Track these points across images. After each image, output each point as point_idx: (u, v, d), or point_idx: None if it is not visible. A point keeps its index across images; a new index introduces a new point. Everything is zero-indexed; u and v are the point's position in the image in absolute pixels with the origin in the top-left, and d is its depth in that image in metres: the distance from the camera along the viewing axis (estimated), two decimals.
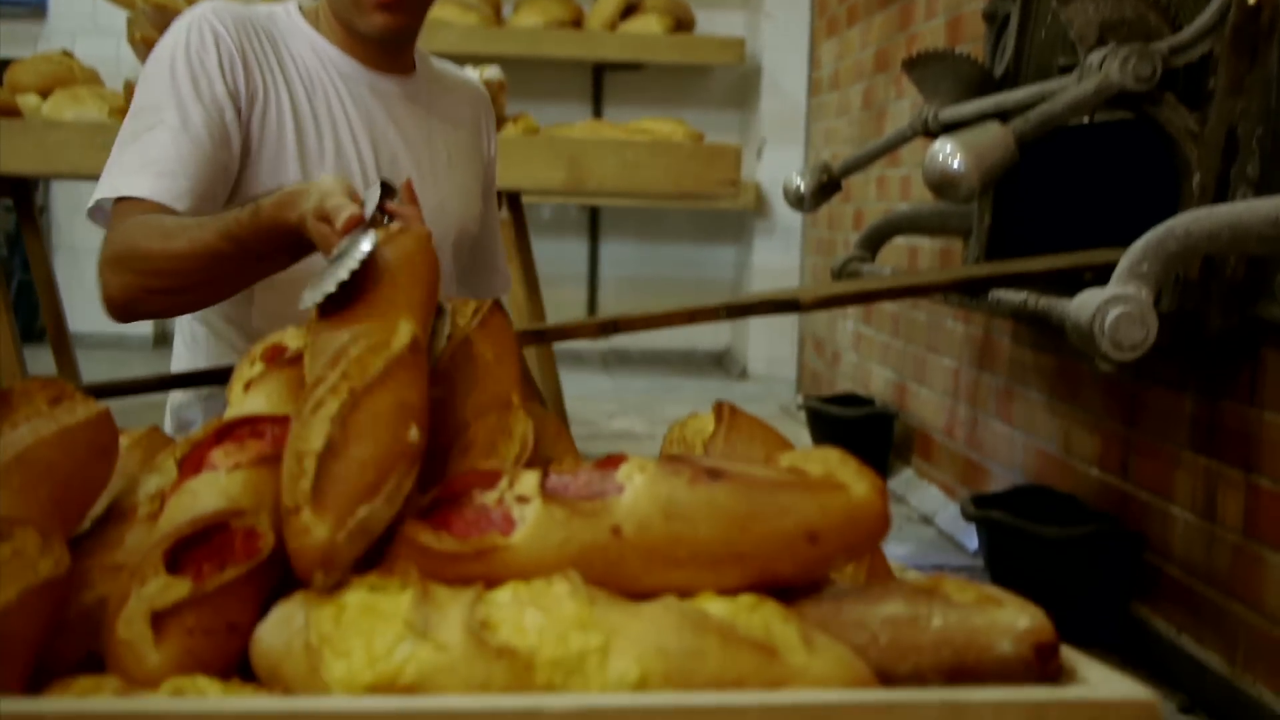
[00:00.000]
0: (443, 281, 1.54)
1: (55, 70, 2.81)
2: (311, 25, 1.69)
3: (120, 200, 1.51)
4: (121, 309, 1.49)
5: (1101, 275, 1.56)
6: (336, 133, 1.66)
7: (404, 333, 0.90)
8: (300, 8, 1.72)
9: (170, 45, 1.59)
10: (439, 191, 1.71)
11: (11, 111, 2.70)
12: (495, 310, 1.10)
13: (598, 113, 5.55)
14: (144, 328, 5.15)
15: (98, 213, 1.58)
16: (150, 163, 1.51)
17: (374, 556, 0.83)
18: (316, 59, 1.68)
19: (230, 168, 1.57)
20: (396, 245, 0.99)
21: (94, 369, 3.81)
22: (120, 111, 2.71)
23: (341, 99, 1.67)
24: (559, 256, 5.46)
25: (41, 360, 3.35)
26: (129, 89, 2.71)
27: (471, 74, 2.76)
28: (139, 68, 2.90)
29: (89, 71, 2.89)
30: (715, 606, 0.76)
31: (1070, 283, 1.75)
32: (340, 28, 1.67)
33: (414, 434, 0.83)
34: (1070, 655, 0.78)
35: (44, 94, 2.77)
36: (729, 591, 0.78)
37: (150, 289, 1.45)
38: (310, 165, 1.64)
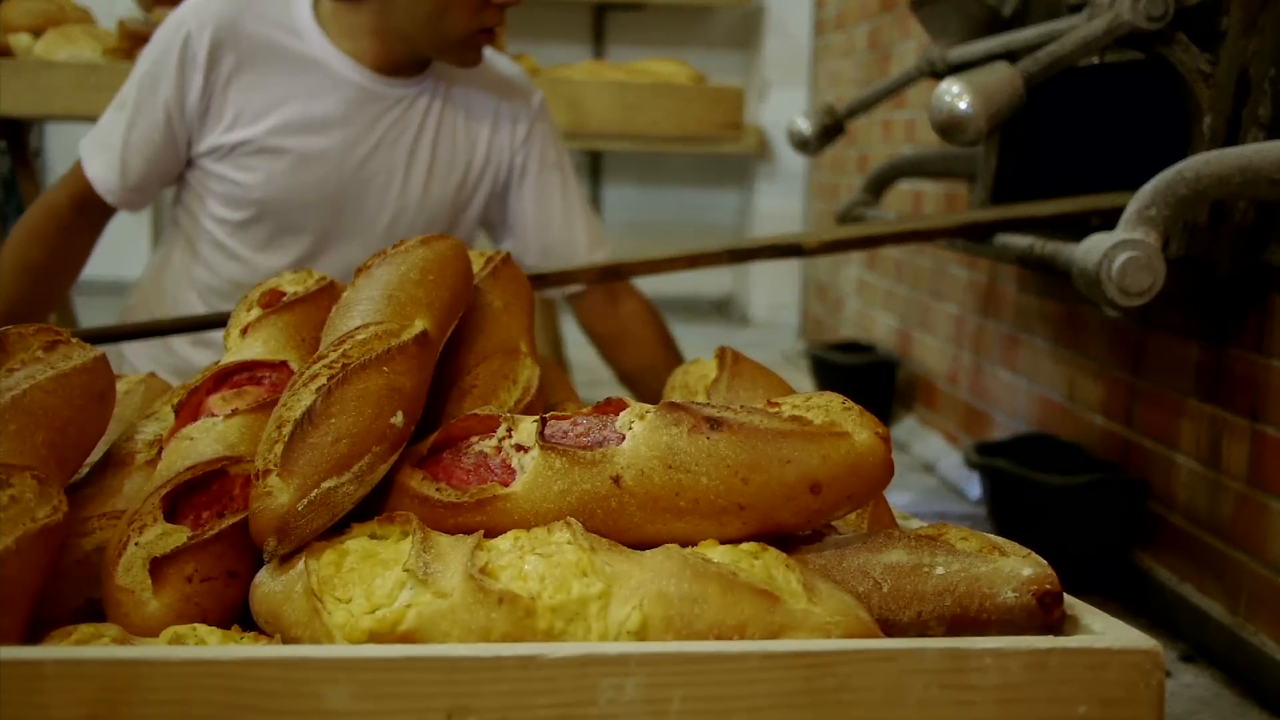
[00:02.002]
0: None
1: (47, 9, 2.77)
2: (318, 23, 1.72)
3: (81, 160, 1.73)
4: None
5: (1109, 220, 1.54)
6: (310, 135, 1.71)
7: (416, 326, 0.89)
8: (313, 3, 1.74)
9: (154, 38, 1.71)
10: (400, 196, 1.77)
11: (3, 52, 2.66)
12: (507, 260, 1.09)
13: (599, 53, 5.49)
14: (140, 272, 5.14)
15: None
16: (105, 147, 1.70)
17: (374, 505, 0.83)
18: (318, 56, 1.71)
19: (170, 166, 1.73)
20: (433, 248, 0.98)
21: (91, 315, 3.79)
22: (114, 51, 2.67)
23: (327, 102, 1.71)
24: None
25: None
26: (122, 28, 2.68)
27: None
28: (132, 7, 2.86)
29: (81, 10, 2.85)
30: (717, 553, 0.75)
31: (1077, 228, 1.73)
32: (364, 36, 1.71)
33: (399, 419, 0.82)
34: (1073, 603, 0.78)
35: (36, 33, 2.73)
36: (731, 540, 0.77)
37: None
38: (278, 162, 1.71)
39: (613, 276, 1.73)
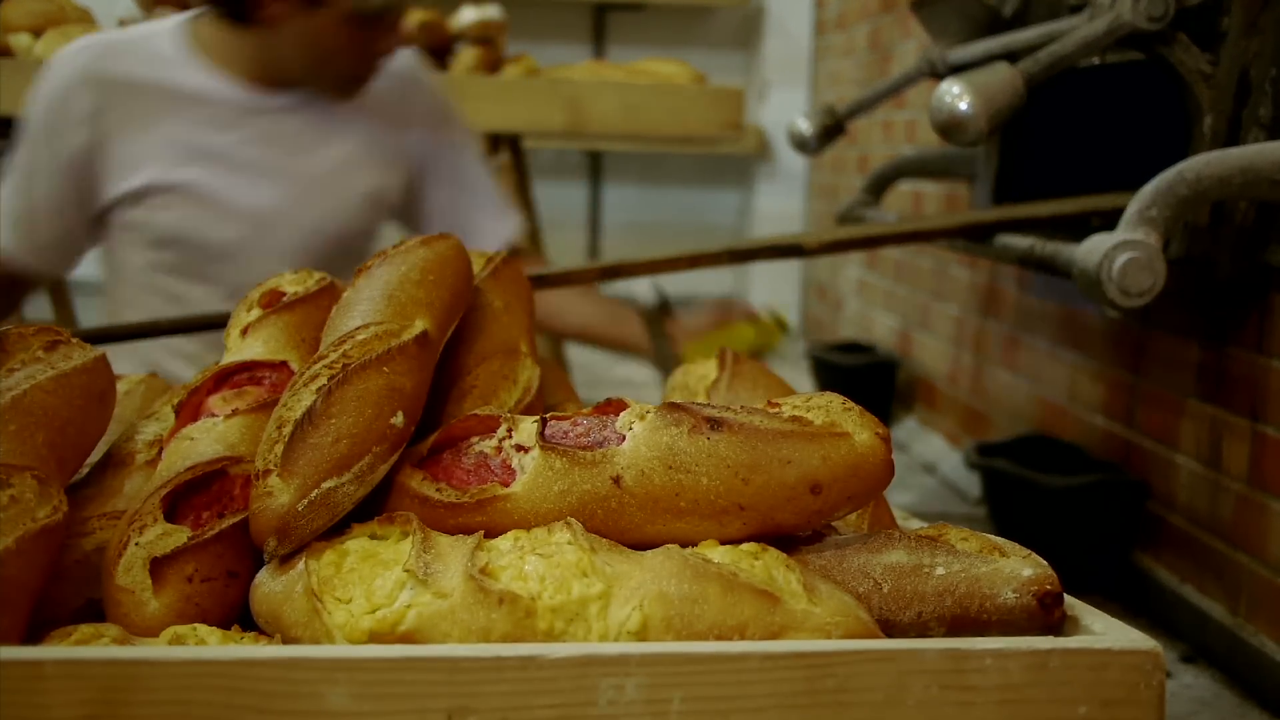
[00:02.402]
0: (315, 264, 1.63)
1: (47, 9, 2.77)
2: (193, 46, 1.71)
3: None
4: None
5: (1109, 220, 1.54)
6: (210, 164, 1.71)
7: (416, 326, 0.89)
8: (184, 26, 1.73)
9: (34, 99, 1.71)
10: (317, 207, 1.77)
11: (3, 51, 2.66)
12: (508, 260, 1.09)
13: (599, 53, 5.49)
14: None
15: None
16: (6, 214, 1.70)
17: (374, 505, 0.83)
18: (197, 85, 1.70)
19: (80, 220, 1.72)
20: (433, 248, 0.97)
21: (91, 315, 3.79)
22: None
23: (220, 128, 1.71)
24: (560, 201, 5.41)
25: (38, 305, 3.34)
26: (122, 28, 2.67)
27: (470, 13, 2.72)
28: (132, 7, 2.86)
29: (82, 10, 2.85)
30: (717, 554, 0.75)
31: (1078, 228, 1.73)
32: (246, 58, 1.70)
33: (399, 419, 0.81)
34: (1073, 604, 0.78)
35: (36, 33, 2.73)
36: (731, 541, 0.77)
37: None
38: (186, 197, 1.70)
39: (614, 276, 1.73)
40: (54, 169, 1.68)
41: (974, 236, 1.86)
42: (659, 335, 1.89)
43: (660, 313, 1.90)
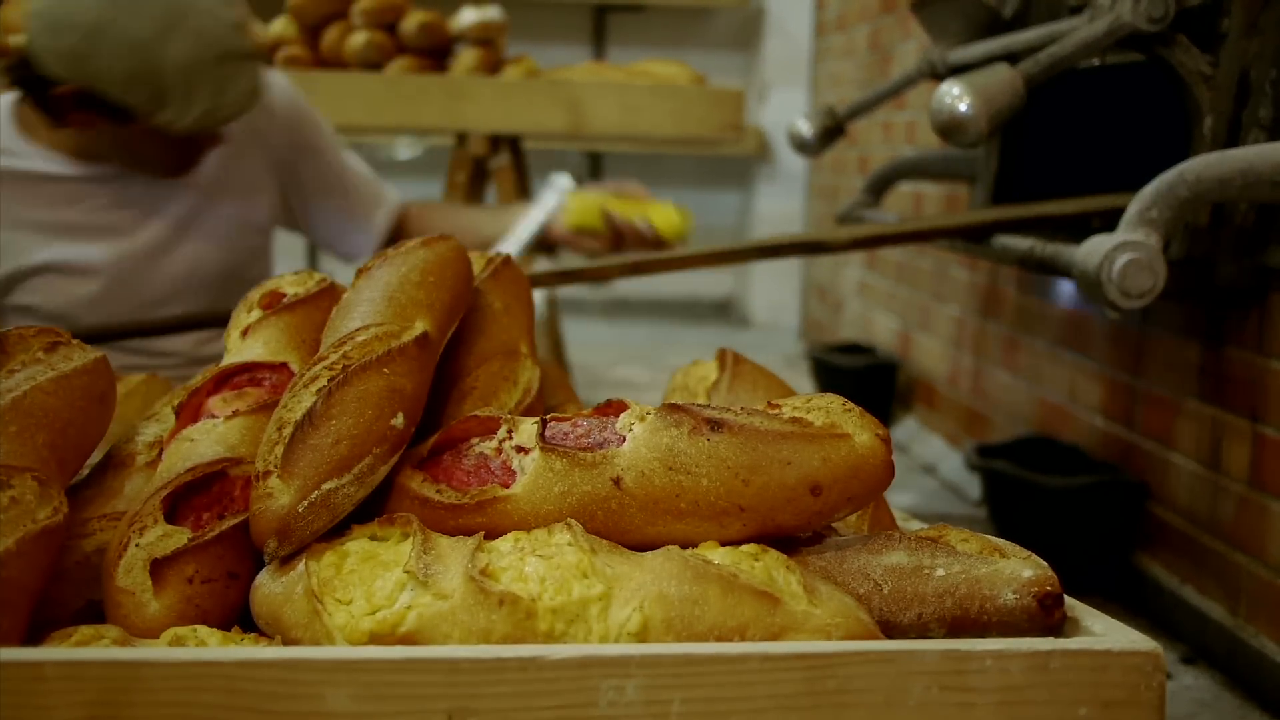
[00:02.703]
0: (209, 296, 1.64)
1: None
2: (20, 130, 1.69)
3: None
4: None
5: (1109, 222, 1.54)
6: (69, 241, 1.68)
7: (417, 328, 0.89)
8: (8, 110, 1.71)
9: None
10: (186, 250, 1.75)
11: (3, 53, 2.66)
12: (507, 262, 1.09)
13: (599, 55, 5.50)
14: None
15: None
16: None
17: (375, 507, 0.83)
18: (32, 166, 1.68)
19: None
20: (433, 249, 0.97)
21: None
22: None
23: (68, 203, 1.68)
24: None
25: None
26: None
27: (470, 14, 2.72)
28: None
29: None
30: (717, 555, 0.75)
31: (1078, 229, 1.73)
32: (64, 138, 1.67)
33: (400, 420, 0.81)
34: (1073, 605, 0.78)
35: None
36: (731, 542, 0.77)
37: None
38: (56, 276, 1.68)
39: (637, 272, 1.74)
40: None
41: (995, 232, 1.85)
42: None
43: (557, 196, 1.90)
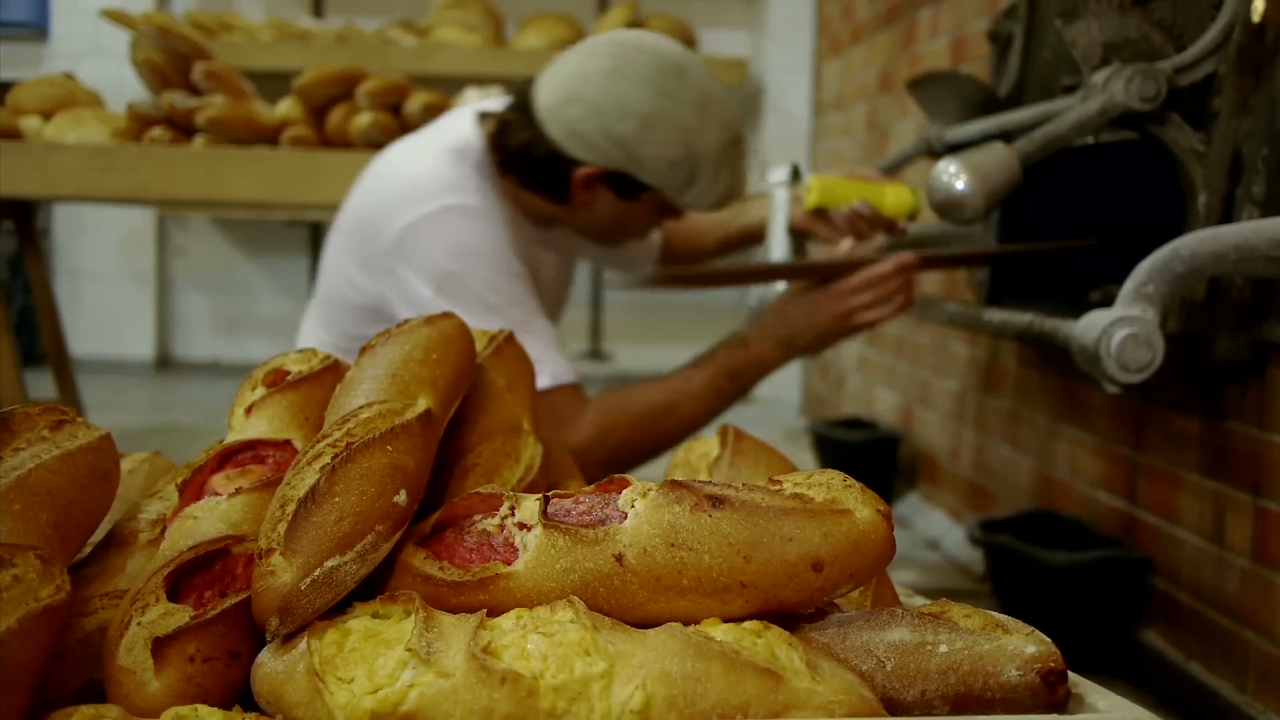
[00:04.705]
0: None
1: (57, 93, 2.82)
2: (491, 182, 1.83)
3: None
4: None
5: (1107, 298, 1.55)
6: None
7: (420, 405, 0.90)
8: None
9: None
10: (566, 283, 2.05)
11: (13, 134, 2.70)
12: (510, 339, 1.10)
13: None
14: (144, 351, 5.14)
15: None
16: None
17: (377, 584, 0.83)
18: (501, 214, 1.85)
19: None
20: (436, 327, 0.99)
21: (95, 393, 3.80)
22: (122, 133, 2.71)
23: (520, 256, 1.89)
24: None
25: (42, 384, 3.35)
26: (131, 111, 2.72)
27: (473, 95, 2.76)
28: (142, 90, 2.91)
29: (91, 94, 2.90)
30: (719, 632, 0.75)
31: (1076, 305, 1.75)
32: (531, 206, 1.85)
33: (402, 497, 0.82)
34: (1078, 681, 0.78)
35: (46, 116, 2.78)
36: (733, 619, 0.77)
37: None
38: None
39: (766, 278, 1.93)
40: None
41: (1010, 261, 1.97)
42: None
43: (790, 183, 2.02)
